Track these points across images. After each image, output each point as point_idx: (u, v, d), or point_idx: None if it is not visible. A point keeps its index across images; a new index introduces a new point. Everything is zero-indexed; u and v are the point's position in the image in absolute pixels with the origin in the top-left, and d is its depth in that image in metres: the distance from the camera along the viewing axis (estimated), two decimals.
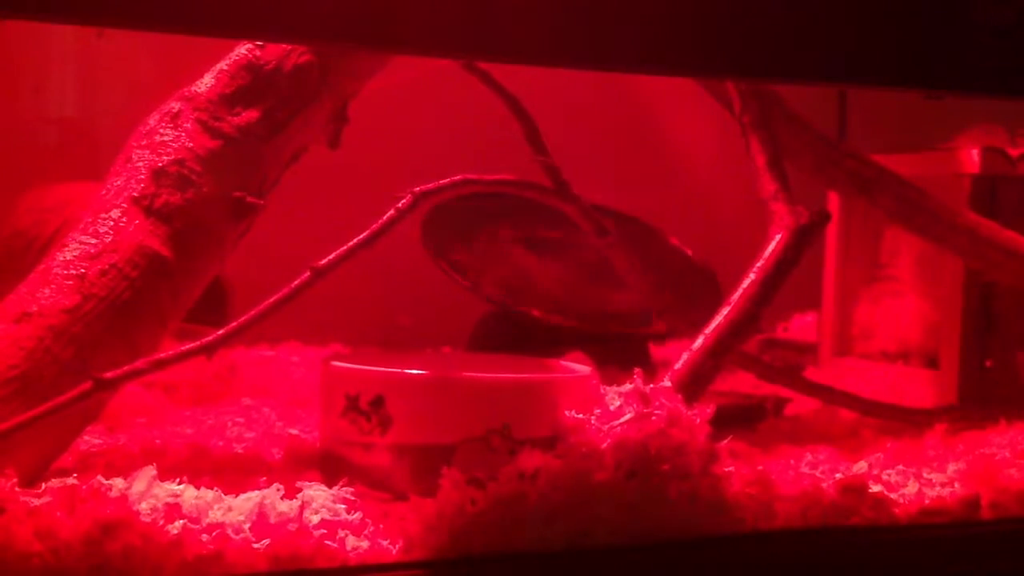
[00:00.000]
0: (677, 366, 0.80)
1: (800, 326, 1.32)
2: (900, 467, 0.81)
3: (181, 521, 0.60)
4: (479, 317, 1.15)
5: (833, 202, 1.17)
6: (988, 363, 1.03)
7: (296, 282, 0.72)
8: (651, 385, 0.72)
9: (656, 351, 1.18)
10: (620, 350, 1.07)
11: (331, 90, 0.82)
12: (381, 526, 0.65)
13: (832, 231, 1.18)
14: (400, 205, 0.77)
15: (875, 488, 0.76)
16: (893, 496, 0.76)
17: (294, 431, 0.86)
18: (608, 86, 1.35)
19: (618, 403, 0.71)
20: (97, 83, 1.29)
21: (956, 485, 0.79)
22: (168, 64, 0.89)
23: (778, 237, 0.86)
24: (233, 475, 0.73)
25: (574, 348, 0.96)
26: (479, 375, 0.76)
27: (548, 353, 0.87)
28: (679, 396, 0.72)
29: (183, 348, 0.69)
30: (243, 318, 0.71)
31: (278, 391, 1.03)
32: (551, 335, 1.09)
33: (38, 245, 0.99)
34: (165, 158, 0.76)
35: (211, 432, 0.87)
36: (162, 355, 0.69)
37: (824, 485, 0.75)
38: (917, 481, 0.79)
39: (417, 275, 1.14)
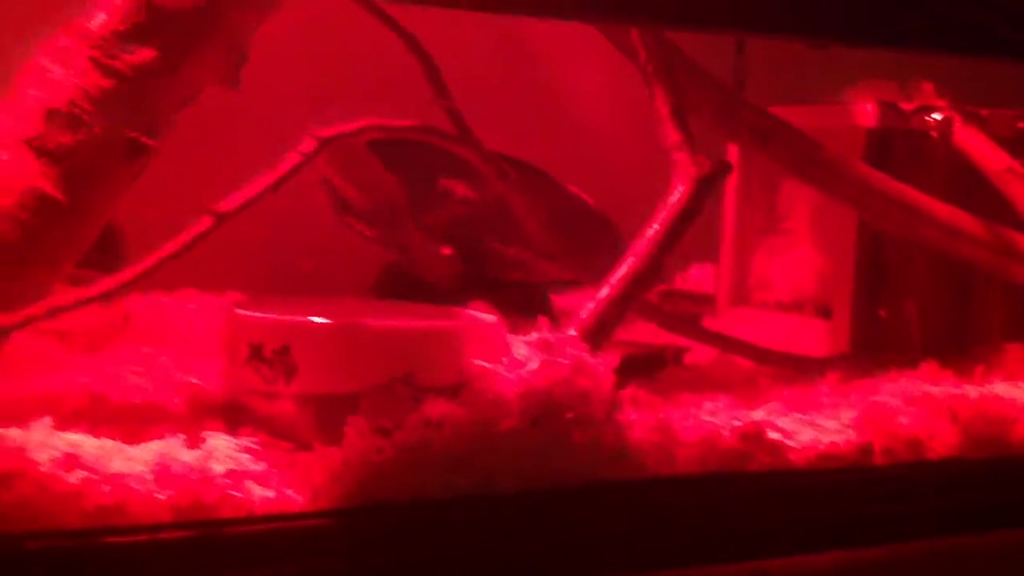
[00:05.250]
0: (582, 315, 0.80)
1: (697, 277, 1.34)
2: (796, 415, 0.83)
3: (81, 472, 0.59)
4: (381, 267, 1.14)
5: (732, 154, 1.18)
6: (883, 312, 1.05)
7: (196, 226, 0.70)
8: (556, 334, 0.73)
9: (556, 300, 1.18)
10: (522, 299, 1.07)
11: (229, 27, 0.80)
12: (287, 476, 0.65)
13: (731, 183, 1.19)
14: (304, 149, 0.76)
15: (772, 435, 0.78)
16: (789, 443, 0.78)
17: (194, 380, 0.85)
18: (504, 33, 1.34)
19: (524, 351, 0.71)
20: None
21: (850, 432, 0.81)
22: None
23: (680, 187, 0.87)
24: (133, 425, 0.71)
25: (477, 298, 0.96)
26: (385, 323, 0.75)
27: (451, 303, 0.86)
28: (584, 344, 0.72)
29: (79, 294, 0.67)
30: (144, 261, 0.69)
31: (175, 339, 1.01)
32: (453, 284, 1.08)
33: None
34: (56, 97, 0.73)
35: (109, 381, 0.84)
36: (57, 301, 0.67)
37: (723, 432, 0.77)
38: (812, 428, 0.81)
39: (318, 223, 1.12)
